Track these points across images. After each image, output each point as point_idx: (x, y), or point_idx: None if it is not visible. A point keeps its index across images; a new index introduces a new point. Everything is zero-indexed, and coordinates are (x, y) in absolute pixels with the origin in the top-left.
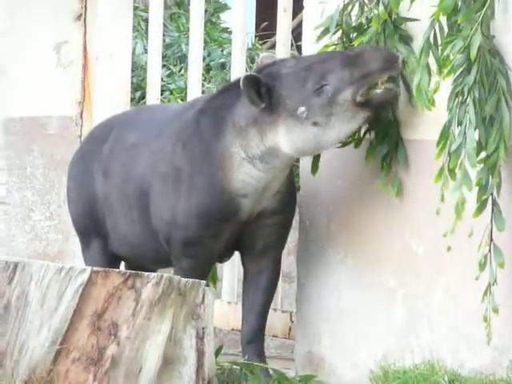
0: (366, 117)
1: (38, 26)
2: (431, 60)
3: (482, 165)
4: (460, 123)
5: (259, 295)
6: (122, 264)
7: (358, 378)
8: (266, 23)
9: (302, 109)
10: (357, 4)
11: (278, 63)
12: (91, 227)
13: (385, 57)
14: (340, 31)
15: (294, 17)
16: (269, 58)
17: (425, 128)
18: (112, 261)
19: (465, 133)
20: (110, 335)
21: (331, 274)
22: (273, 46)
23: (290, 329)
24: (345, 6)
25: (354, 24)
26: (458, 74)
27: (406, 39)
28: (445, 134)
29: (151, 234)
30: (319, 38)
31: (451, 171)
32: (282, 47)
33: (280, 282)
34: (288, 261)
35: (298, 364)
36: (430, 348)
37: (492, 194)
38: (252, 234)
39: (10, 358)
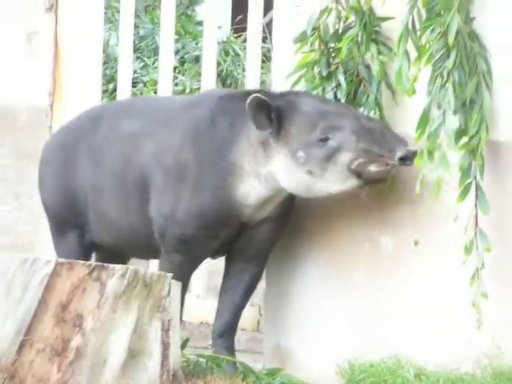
0: (357, 185)
1: (9, 15)
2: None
3: (464, 150)
4: (439, 106)
5: (239, 293)
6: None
7: (325, 372)
8: (240, 16)
9: (301, 154)
10: (333, 12)
11: (301, 95)
12: (69, 217)
13: (397, 140)
14: (317, 38)
15: (269, 9)
16: None
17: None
18: (88, 251)
19: (443, 115)
20: (75, 327)
21: (300, 269)
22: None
23: (258, 322)
24: (321, 13)
25: (330, 31)
26: (437, 58)
27: (384, 40)
28: (424, 118)
29: (146, 223)
30: (297, 40)
31: (430, 153)
32: (253, 40)
33: None
34: None
35: (266, 357)
36: (397, 343)
37: (475, 178)
38: (249, 238)
39: None
